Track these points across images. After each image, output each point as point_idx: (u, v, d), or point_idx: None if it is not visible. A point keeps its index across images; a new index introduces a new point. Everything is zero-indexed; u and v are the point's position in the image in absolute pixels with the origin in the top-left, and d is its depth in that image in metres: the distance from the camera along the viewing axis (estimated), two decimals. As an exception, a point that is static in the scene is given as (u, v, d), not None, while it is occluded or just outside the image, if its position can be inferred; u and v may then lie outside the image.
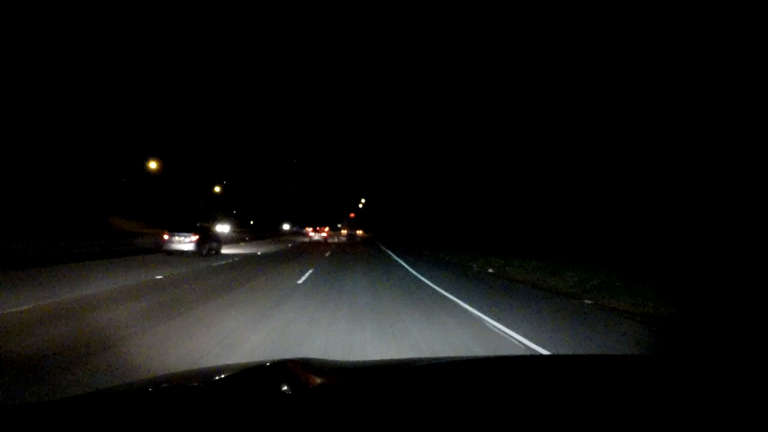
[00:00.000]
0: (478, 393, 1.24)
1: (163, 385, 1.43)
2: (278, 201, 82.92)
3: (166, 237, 18.77)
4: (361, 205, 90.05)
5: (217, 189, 53.56)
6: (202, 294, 9.23)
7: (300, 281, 12.12)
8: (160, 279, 11.36)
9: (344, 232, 61.32)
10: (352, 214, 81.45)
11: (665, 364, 1.67)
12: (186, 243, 18.44)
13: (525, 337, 6.52)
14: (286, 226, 77.63)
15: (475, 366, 1.70)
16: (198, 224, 21.24)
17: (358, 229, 78.30)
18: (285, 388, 1.23)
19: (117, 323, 6.27)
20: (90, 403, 1.16)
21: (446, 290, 11.54)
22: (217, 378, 1.47)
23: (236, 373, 1.45)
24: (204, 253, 19.31)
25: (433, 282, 13.36)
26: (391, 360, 1.97)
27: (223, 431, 0.90)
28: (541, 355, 4.46)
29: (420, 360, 1.97)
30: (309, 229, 56.84)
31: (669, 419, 1.00)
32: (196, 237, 18.68)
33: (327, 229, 58.25)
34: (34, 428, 0.94)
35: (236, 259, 19.15)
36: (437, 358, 2.10)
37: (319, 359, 1.61)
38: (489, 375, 1.48)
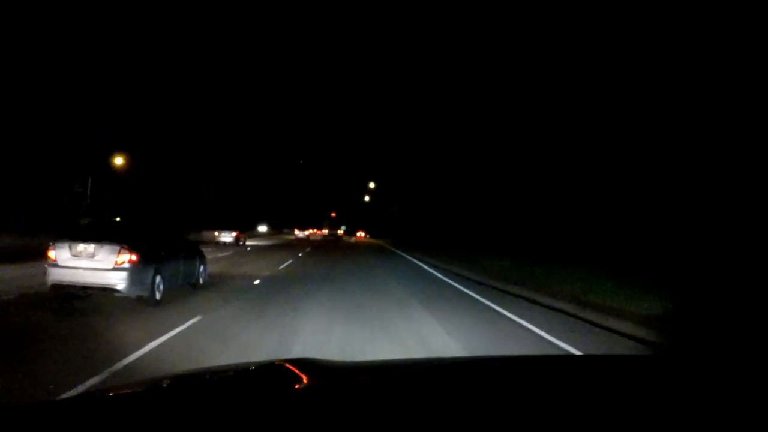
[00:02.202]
0: (476, 394, 1.25)
1: (160, 387, 1.49)
2: (254, 200, 69.29)
3: (216, 233, 29.17)
4: (367, 198, 77.78)
5: (119, 161, 31.86)
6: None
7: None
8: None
9: (325, 231, 72.69)
10: (333, 214, 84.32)
11: (663, 364, 1.74)
12: (228, 237, 29.47)
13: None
14: (262, 228, 65.51)
15: (475, 367, 1.72)
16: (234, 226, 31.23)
17: (360, 230, 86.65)
18: (282, 388, 1.26)
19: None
20: (89, 403, 1.22)
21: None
22: (213, 379, 1.53)
23: (233, 374, 1.54)
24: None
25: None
26: (391, 361, 2.15)
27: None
28: (542, 356, 4.66)
29: (420, 361, 2.06)
30: (296, 230, 74.27)
31: (667, 420, 1.01)
32: (236, 233, 29.69)
33: (312, 230, 74.37)
34: (34, 428, 0.96)
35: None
36: (436, 359, 2.22)
37: (318, 360, 1.63)
38: (489, 376, 1.50)
